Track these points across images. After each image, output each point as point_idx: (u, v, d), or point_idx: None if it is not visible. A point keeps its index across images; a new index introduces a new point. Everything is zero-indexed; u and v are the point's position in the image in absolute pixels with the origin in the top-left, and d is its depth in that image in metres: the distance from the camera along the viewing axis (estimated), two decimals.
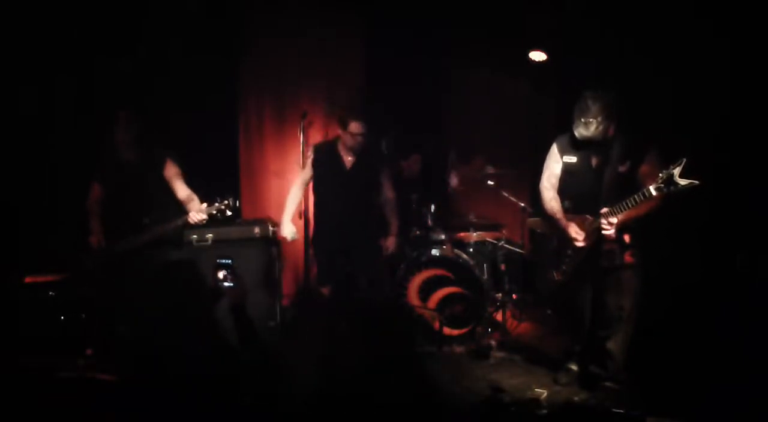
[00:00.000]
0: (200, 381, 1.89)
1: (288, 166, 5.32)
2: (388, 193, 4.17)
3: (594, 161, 3.23)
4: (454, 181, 4.20)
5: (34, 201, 4.19)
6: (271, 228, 4.52)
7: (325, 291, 4.19)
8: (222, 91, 5.03)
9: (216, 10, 4.77)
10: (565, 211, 3.32)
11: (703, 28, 3.77)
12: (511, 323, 4.60)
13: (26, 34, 4.17)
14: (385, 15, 5.30)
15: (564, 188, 3.36)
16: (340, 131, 3.96)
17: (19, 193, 4.17)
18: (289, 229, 4.07)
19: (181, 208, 3.59)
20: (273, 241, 4.49)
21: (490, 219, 5.04)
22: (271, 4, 5.15)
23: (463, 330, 4.26)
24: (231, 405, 1.91)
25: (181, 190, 3.61)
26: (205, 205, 3.46)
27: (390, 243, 4.18)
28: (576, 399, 3.34)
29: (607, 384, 3.39)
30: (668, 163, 2.80)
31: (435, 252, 4.41)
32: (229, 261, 2.25)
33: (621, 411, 2.81)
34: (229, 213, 3.47)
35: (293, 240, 4.22)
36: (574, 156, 3.28)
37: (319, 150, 4.09)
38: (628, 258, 3.20)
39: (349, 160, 4.01)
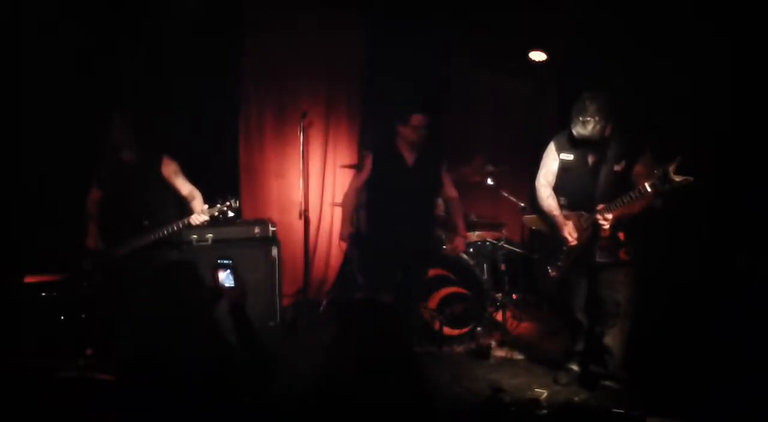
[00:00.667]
0: (200, 381, 1.89)
1: (288, 166, 5.33)
2: (450, 191, 4.02)
3: (590, 159, 3.28)
4: (449, 191, 4.04)
5: (34, 201, 4.18)
6: (271, 228, 4.52)
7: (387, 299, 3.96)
8: (222, 91, 5.04)
9: (216, 10, 4.77)
10: (561, 208, 3.38)
11: (703, 28, 3.78)
12: (511, 323, 4.60)
13: (26, 34, 4.17)
14: (385, 15, 5.30)
15: (560, 185, 3.41)
16: (399, 128, 3.79)
17: (19, 193, 4.17)
18: (345, 238, 3.95)
19: (182, 207, 3.57)
20: (273, 241, 4.49)
21: (490, 219, 5.04)
22: (271, 4, 5.15)
23: (463, 330, 4.26)
24: (231, 405, 1.91)
25: (183, 187, 3.58)
26: (206, 206, 3.44)
27: (458, 243, 4.03)
28: (576, 399, 3.34)
29: (607, 383, 3.40)
30: (665, 161, 2.84)
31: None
32: (230, 261, 2.23)
33: (621, 411, 2.81)
34: (231, 214, 3.44)
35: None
36: (571, 154, 3.33)
37: (378, 149, 3.91)
38: (622, 255, 3.25)
39: (410, 157, 3.83)
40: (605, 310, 3.35)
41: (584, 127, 3.09)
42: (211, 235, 4.29)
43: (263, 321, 4.30)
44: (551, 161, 3.42)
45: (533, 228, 3.72)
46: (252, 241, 4.43)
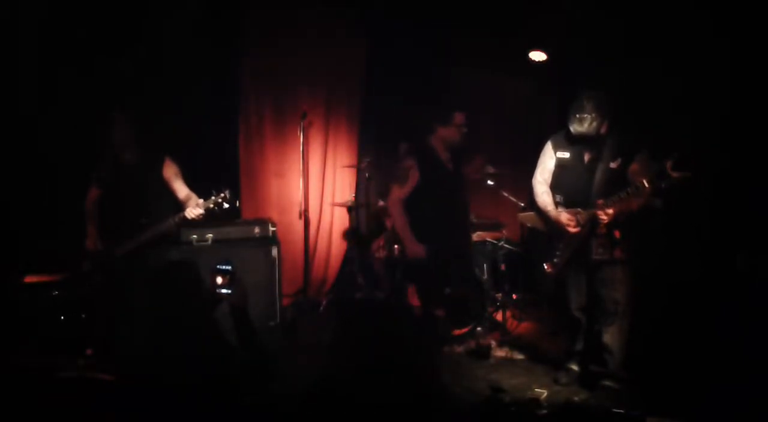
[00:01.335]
0: (200, 381, 1.89)
1: (288, 166, 5.33)
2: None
3: (586, 157, 3.33)
4: None
5: (34, 201, 4.18)
6: (271, 228, 4.52)
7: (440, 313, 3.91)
8: (222, 91, 5.04)
9: (216, 11, 4.77)
10: (557, 205, 3.42)
11: (703, 28, 3.78)
12: (511, 323, 4.60)
13: (26, 34, 4.17)
14: (385, 15, 5.30)
15: (557, 183, 3.45)
16: (439, 128, 3.62)
17: (19, 193, 4.17)
18: (420, 249, 3.63)
19: (179, 210, 3.57)
20: (273, 241, 4.49)
21: (490, 219, 5.04)
22: (271, 4, 5.15)
23: (463, 330, 4.26)
24: (231, 405, 1.91)
25: (181, 190, 3.59)
26: (201, 200, 3.44)
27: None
28: (576, 399, 3.34)
29: (607, 383, 3.40)
30: (662, 159, 2.88)
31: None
32: (229, 267, 2.12)
33: (621, 411, 2.81)
34: (226, 205, 3.42)
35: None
36: (568, 152, 3.39)
37: (419, 154, 3.67)
38: (618, 253, 3.28)
39: (447, 159, 3.69)
40: (604, 309, 3.37)
41: (581, 124, 3.17)
42: (211, 235, 4.29)
43: (263, 321, 4.29)
44: (548, 159, 3.47)
45: (529, 225, 3.74)
46: (252, 241, 4.42)
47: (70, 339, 3.66)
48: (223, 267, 2.12)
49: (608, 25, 4.33)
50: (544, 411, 3.09)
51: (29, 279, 3.86)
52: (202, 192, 3.57)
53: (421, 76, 5.45)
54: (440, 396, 3.16)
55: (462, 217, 3.70)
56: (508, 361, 3.96)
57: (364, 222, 5.64)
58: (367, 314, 1.72)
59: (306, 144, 5.18)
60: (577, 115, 3.17)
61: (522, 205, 4.72)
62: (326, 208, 5.54)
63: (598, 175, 3.24)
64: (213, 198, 3.41)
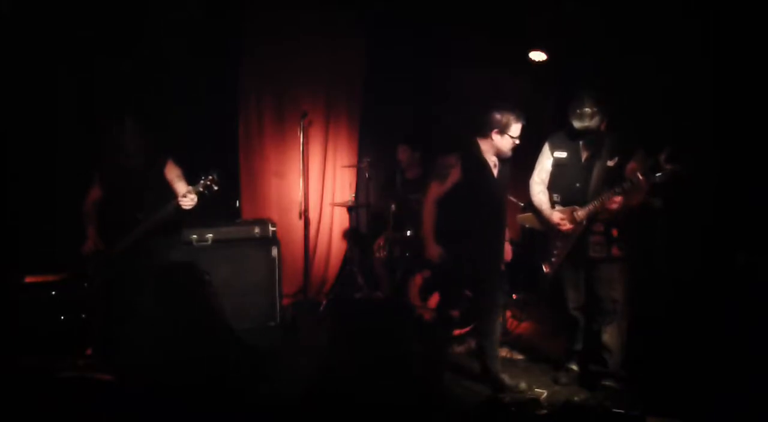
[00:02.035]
0: (200, 381, 1.89)
1: (288, 166, 5.33)
2: None
3: (584, 156, 3.36)
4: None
5: (35, 201, 4.19)
6: (271, 229, 4.52)
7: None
8: (222, 91, 5.04)
9: (216, 10, 4.77)
10: (555, 204, 3.45)
11: (702, 27, 3.77)
12: (511, 323, 4.60)
13: (27, 34, 4.17)
14: (385, 15, 5.30)
15: (554, 182, 3.48)
16: (493, 134, 3.33)
17: (19, 193, 4.17)
18: (435, 252, 3.37)
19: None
20: (273, 241, 4.49)
21: None
22: (271, 4, 5.15)
23: (463, 330, 4.26)
24: (230, 405, 1.91)
25: (183, 192, 3.59)
26: (190, 187, 3.43)
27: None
28: (576, 399, 3.34)
29: (607, 383, 3.40)
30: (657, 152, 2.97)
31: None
32: None
33: (621, 411, 2.81)
34: (215, 187, 3.39)
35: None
36: (565, 151, 3.42)
37: (465, 157, 3.37)
38: (615, 251, 3.30)
39: (495, 165, 3.42)
40: (602, 308, 3.38)
41: (582, 119, 3.21)
42: (211, 235, 4.30)
43: (263, 321, 4.31)
44: (545, 160, 3.51)
45: (527, 226, 3.75)
46: (252, 241, 4.43)
47: (70, 339, 3.66)
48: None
49: (608, 25, 4.32)
50: (544, 411, 3.09)
51: (29, 279, 3.86)
52: (205, 196, 3.56)
53: (420, 76, 5.45)
54: (440, 396, 3.17)
55: (499, 226, 3.46)
56: (508, 361, 3.96)
57: (364, 222, 5.64)
58: (367, 314, 1.73)
59: (306, 144, 5.18)
60: (578, 110, 3.22)
61: (522, 204, 4.72)
62: (326, 208, 5.54)
63: (596, 173, 3.28)
64: (202, 181, 3.39)
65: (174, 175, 3.56)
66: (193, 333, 2.04)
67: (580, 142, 3.35)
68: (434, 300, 4.24)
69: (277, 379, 3.00)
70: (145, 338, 2.10)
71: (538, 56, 4.82)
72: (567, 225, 3.34)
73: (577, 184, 3.33)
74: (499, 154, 3.40)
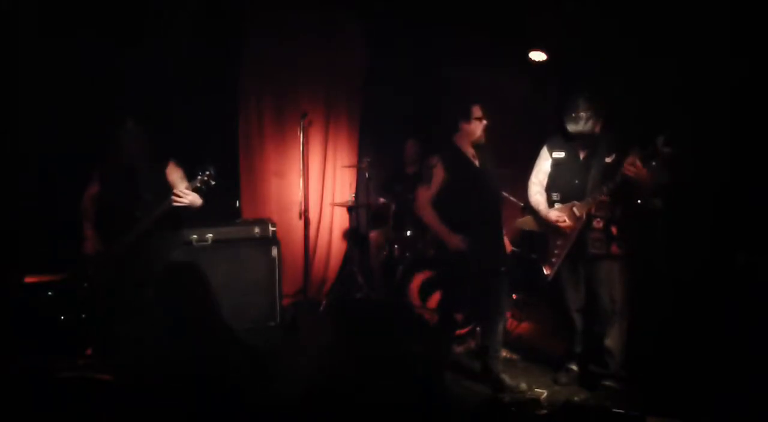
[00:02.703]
0: (200, 380, 1.89)
1: (288, 166, 5.33)
2: None
3: (582, 155, 3.40)
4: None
5: (35, 201, 4.18)
6: (271, 228, 4.52)
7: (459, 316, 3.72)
8: (222, 91, 5.04)
9: (216, 10, 4.77)
10: (554, 203, 3.48)
11: (703, 27, 3.78)
12: (511, 323, 4.60)
13: (27, 34, 4.17)
14: (385, 15, 5.30)
15: (553, 181, 3.51)
16: (462, 125, 3.44)
17: (19, 193, 4.17)
18: (457, 240, 3.35)
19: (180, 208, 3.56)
20: (273, 241, 4.49)
21: None
22: (271, 4, 5.15)
23: (463, 330, 4.26)
24: (230, 405, 1.91)
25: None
26: (187, 182, 3.43)
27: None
28: (576, 399, 3.34)
29: (607, 383, 3.40)
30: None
31: (435, 252, 4.40)
32: None
33: (621, 411, 2.81)
34: (212, 183, 3.40)
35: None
36: (563, 151, 3.47)
37: (444, 155, 3.44)
38: (614, 249, 3.31)
39: (473, 154, 3.46)
40: (602, 308, 3.38)
41: (576, 123, 3.28)
42: (211, 235, 4.30)
43: (263, 321, 4.31)
44: (543, 161, 3.56)
45: (526, 229, 3.75)
46: (252, 241, 4.43)
47: (70, 339, 3.66)
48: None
49: (607, 24, 4.33)
50: (544, 411, 3.10)
51: (29, 279, 3.86)
52: (204, 195, 3.56)
53: (420, 76, 5.45)
54: (440, 396, 3.17)
55: (495, 216, 3.49)
56: (508, 361, 3.96)
57: (364, 222, 5.64)
58: (367, 314, 1.72)
59: (306, 144, 5.18)
60: (573, 114, 3.29)
61: (522, 204, 4.72)
62: (326, 208, 5.54)
63: (594, 171, 3.31)
64: (199, 177, 3.40)
65: (176, 176, 3.57)
66: (193, 333, 2.03)
67: (578, 142, 3.39)
68: (434, 300, 4.24)
69: (277, 379, 3.01)
70: (145, 338, 2.10)
71: (538, 56, 4.82)
72: (566, 222, 3.35)
73: (576, 181, 3.37)
74: (475, 142, 3.48)
